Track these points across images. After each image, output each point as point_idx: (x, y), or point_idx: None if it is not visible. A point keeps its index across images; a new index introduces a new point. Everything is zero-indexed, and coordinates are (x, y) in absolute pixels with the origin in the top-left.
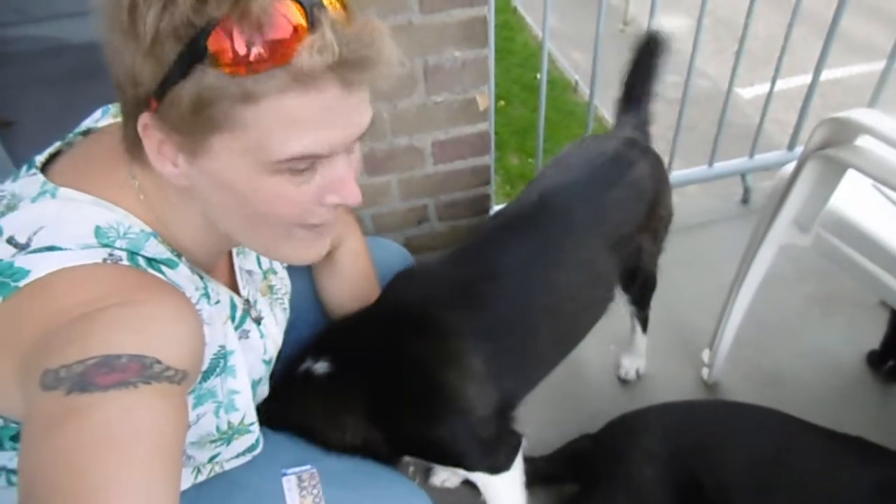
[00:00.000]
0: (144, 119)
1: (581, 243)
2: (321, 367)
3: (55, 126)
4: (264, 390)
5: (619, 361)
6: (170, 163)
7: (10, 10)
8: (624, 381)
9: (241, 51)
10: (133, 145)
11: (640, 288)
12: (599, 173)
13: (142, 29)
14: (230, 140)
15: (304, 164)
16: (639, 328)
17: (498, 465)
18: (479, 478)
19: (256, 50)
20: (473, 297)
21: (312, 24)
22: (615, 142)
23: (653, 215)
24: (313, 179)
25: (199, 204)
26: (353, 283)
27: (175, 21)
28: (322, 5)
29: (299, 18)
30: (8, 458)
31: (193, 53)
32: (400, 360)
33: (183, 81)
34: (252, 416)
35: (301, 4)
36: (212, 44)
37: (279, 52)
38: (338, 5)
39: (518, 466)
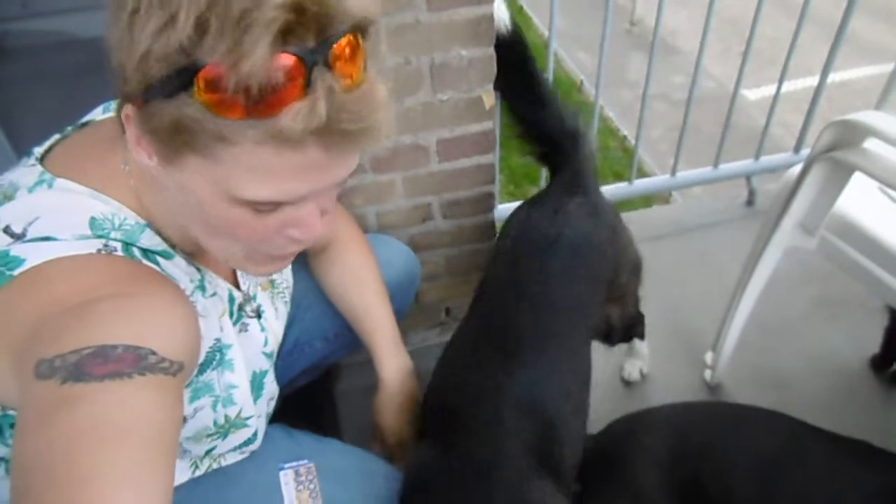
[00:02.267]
0: (128, 110)
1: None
2: None
3: (60, 121)
4: (272, 387)
5: (622, 363)
6: (146, 154)
7: (16, 3)
8: (627, 383)
9: (226, 96)
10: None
11: (625, 331)
12: (553, 265)
13: (137, 36)
14: (202, 164)
15: (267, 207)
16: (636, 338)
17: None
18: None
19: (240, 100)
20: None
21: (308, 84)
22: (555, 224)
23: (615, 284)
24: (276, 214)
25: (166, 196)
26: (352, 272)
27: (169, 45)
28: (326, 65)
29: (294, 78)
30: (8, 450)
31: (181, 80)
32: None
33: (166, 101)
34: (249, 411)
35: (303, 61)
36: (200, 79)
37: (261, 109)
38: (348, 67)
39: None
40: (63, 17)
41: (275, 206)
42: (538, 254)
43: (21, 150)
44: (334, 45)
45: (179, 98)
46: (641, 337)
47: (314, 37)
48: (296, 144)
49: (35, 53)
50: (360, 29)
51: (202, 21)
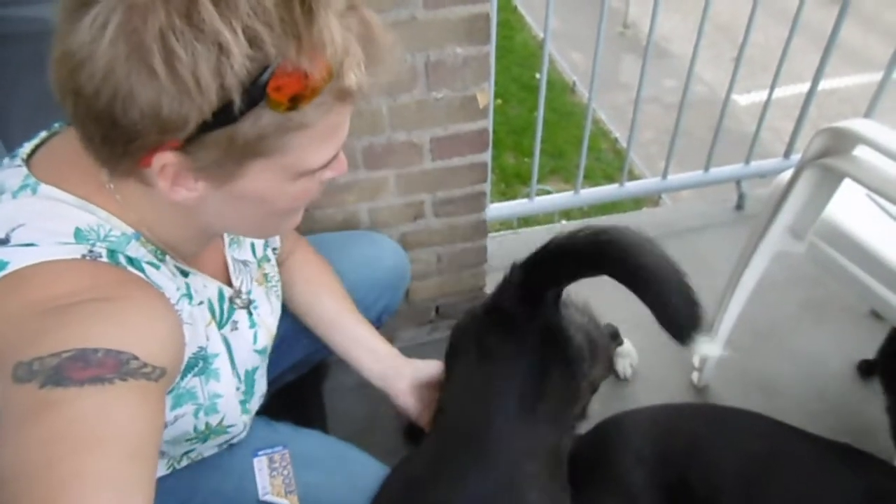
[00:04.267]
0: (163, 159)
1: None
2: None
3: (48, 110)
4: (262, 384)
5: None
6: (184, 189)
7: None
8: (617, 381)
9: (303, 86)
10: (116, 171)
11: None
12: (518, 386)
13: (190, 81)
14: (266, 164)
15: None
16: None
17: None
18: None
19: (315, 80)
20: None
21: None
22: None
23: (586, 382)
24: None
25: (197, 214)
26: (315, 279)
27: (238, 72)
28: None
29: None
30: None
31: (252, 99)
32: None
33: (234, 125)
34: (232, 419)
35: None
36: (272, 87)
37: (331, 76)
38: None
39: None
40: (53, 4)
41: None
42: (497, 375)
43: (7, 137)
44: None
45: (250, 115)
46: (621, 343)
47: None
48: (354, 93)
49: (25, 41)
50: None
51: (251, 35)
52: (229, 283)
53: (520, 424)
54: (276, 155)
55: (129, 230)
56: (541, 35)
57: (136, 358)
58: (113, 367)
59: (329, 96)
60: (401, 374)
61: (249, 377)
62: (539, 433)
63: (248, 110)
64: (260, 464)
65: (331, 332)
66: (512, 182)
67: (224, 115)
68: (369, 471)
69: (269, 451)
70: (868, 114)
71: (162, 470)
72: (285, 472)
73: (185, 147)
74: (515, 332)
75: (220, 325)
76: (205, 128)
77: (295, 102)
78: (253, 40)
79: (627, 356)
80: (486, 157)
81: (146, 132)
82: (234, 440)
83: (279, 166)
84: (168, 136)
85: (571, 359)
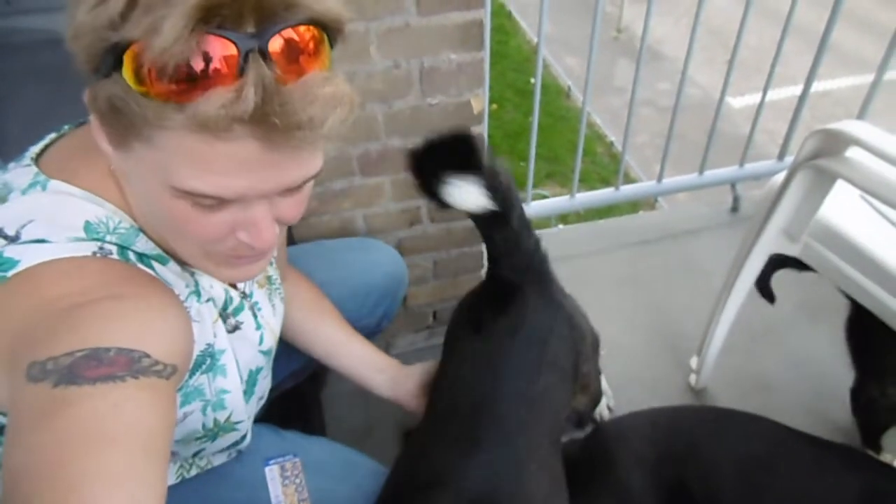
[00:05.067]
0: (88, 91)
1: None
2: None
3: (44, 120)
4: (264, 385)
5: None
6: (104, 139)
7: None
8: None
9: (145, 78)
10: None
11: (592, 411)
12: (514, 358)
13: (77, 12)
14: (145, 151)
15: (208, 202)
16: None
17: None
18: None
19: (160, 81)
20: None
21: (241, 71)
22: (512, 314)
23: (579, 374)
24: (222, 213)
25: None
26: (309, 304)
27: (99, 20)
28: (263, 54)
29: (223, 63)
30: None
31: (113, 58)
32: None
33: (104, 80)
34: (239, 415)
35: (236, 46)
36: (126, 58)
37: (179, 92)
38: (292, 59)
39: None
40: (49, 14)
41: (218, 201)
42: (496, 347)
43: (4, 148)
44: (277, 35)
45: (112, 77)
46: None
47: (254, 23)
48: (223, 134)
49: (20, 51)
50: (319, 24)
51: None
52: (233, 285)
53: (520, 395)
54: (148, 145)
55: (136, 224)
56: (535, 40)
57: (147, 356)
58: (125, 365)
59: (186, 114)
60: (405, 380)
61: (252, 377)
62: (539, 405)
63: (110, 69)
64: (272, 473)
65: (336, 356)
66: None
67: (92, 64)
68: (376, 476)
69: (280, 459)
70: (861, 115)
71: (171, 478)
72: (297, 481)
73: (95, 87)
74: (513, 303)
75: (224, 323)
76: (92, 73)
77: (140, 87)
78: (130, 3)
79: (604, 396)
80: None
81: (75, 50)
82: (242, 445)
83: (153, 163)
84: (86, 65)
85: (571, 332)
